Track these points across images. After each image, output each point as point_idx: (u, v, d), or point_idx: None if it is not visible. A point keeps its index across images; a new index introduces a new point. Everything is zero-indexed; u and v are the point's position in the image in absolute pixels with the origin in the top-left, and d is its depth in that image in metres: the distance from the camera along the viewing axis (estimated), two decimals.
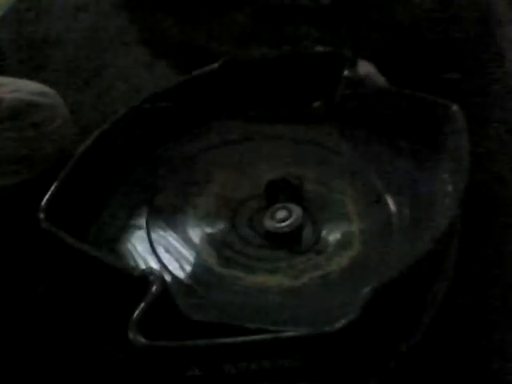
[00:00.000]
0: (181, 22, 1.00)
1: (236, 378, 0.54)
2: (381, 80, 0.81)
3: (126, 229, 0.70)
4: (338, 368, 0.56)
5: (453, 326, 0.64)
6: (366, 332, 0.55)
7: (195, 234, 0.69)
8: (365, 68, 0.81)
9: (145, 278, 0.57)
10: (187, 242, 0.68)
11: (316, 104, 0.81)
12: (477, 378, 0.61)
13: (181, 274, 0.65)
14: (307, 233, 0.69)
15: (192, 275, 0.65)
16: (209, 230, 0.70)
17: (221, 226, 0.70)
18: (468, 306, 0.65)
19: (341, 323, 0.53)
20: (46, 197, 0.65)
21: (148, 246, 0.68)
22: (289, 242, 0.68)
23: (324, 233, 0.69)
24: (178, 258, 0.67)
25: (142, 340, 0.53)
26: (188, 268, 0.66)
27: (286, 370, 0.54)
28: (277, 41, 0.93)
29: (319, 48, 0.83)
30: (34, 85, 0.81)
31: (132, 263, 0.66)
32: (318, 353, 0.55)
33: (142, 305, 0.55)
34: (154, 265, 0.66)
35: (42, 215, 0.63)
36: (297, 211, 0.69)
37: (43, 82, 0.83)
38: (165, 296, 0.57)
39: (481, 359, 0.62)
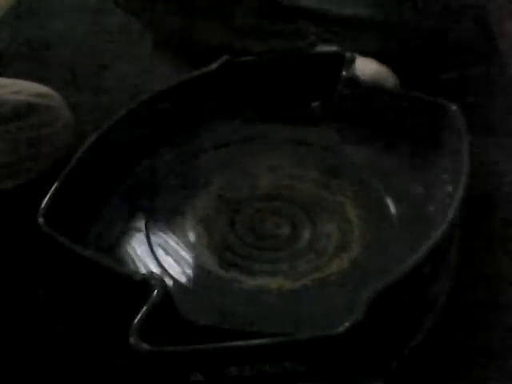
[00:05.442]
0: (182, 21, 1.00)
1: (239, 381, 0.54)
2: (391, 79, 0.81)
3: (125, 232, 0.69)
4: (341, 370, 0.56)
5: (455, 326, 0.64)
6: (369, 334, 0.55)
7: (195, 237, 0.69)
8: (373, 66, 0.81)
9: (146, 283, 0.57)
10: (187, 244, 0.68)
11: (315, 104, 0.81)
12: (477, 378, 0.61)
13: (181, 278, 0.65)
14: (307, 234, 0.69)
15: (192, 278, 0.65)
16: (208, 232, 0.70)
17: (220, 227, 0.70)
18: (470, 306, 0.65)
19: (345, 325, 0.53)
20: (45, 201, 0.65)
21: (148, 248, 0.68)
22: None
23: (324, 235, 0.69)
24: (178, 261, 0.67)
25: (144, 345, 0.52)
26: (188, 271, 0.66)
27: (289, 373, 0.54)
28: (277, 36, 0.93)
29: (319, 48, 0.82)
30: (37, 86, 0.81)
31: (132, 267, 0.66)
32: (321, 355, 0.55)
33: (143, 309, 0.55)
34: (154, 268, 0.66)
35: (41, 219, 0.63)
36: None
37: (43, 81, 0.82)
38: (166, 300, 0.57)
39: (481, 359, 0.62)
